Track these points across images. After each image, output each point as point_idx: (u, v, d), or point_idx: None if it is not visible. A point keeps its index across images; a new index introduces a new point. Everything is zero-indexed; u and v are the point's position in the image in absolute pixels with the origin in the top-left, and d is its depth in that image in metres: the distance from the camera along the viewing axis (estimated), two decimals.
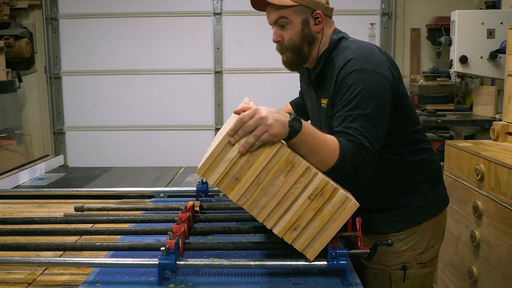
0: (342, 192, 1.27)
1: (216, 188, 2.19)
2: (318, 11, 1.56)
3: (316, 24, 1.58)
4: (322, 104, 1.63)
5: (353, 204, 1.28)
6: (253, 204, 1.28)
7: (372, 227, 1.61)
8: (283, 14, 1.55)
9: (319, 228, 1.28)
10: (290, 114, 1.27)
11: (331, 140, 1.34)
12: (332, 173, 1.31)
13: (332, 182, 1.28)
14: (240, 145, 1.24)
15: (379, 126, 1.41)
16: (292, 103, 2.11)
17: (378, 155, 1.40)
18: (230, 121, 1.41)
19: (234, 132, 1.23)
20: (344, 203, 1.27)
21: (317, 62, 1.63)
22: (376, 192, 1.61)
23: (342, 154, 1.33)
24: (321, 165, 1.31)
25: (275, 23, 1.59)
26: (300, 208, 1.27)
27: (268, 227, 1.29)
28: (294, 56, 1.61)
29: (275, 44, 1.66)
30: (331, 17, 1.64)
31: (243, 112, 1.26)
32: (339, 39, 1.61)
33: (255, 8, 1.65)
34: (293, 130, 1.25)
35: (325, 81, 1.60)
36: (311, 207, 1.27)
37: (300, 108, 2.00)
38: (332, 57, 1.58)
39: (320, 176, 1.26)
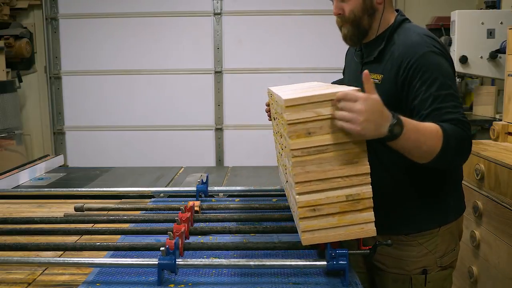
0: (372, 213, 1.27)
1: (215, 189, 2.21)
2: None
3: None
4: (374, 80, 1.55)
5: (372, 230, 1.28)
6: (301, 164, 1.24)
7: (391, 227, 1.58)
8: None
9: (332, 226, 1.28)
10: (394, 116, 1.25)
11: (433, 128, 1.35)
12: (441, 154, 1.33)
13: (371, 200, 1.28)
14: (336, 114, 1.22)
15: (461, 103, 1.46)
16: (334, 83, 2.05)
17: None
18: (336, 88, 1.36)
19: (337, 100, 1.21)
20: (366, 224, 1.28)
21: (378, 39, 1.59)
22: (397, 191, 1.60)
23: (446, 136, 1.34)
24: (428, 154, 1.34)
25: None
26: (334, 198, 1.26)
27: (297, 191, 1.26)
28: (354, 29, 1.58)
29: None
30: None
31: (360, 91, 1.22)
32: (403, 20, 1.60)
33: None
34: (392, 135, 1.25)
35: (382, 59, 1.57)
36: (341, 204, 1.26)
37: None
38: (393, 37, 1.56)
39: (369, 187, 1.26)
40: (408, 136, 1.28)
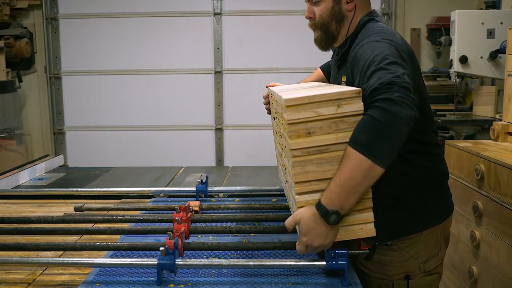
0: (371, 214, 1.29)
1: (215, 189, 2.22)
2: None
3: (347, 3, 1.56)
4: (342, 82, 1.59)
5: (371, 230, 1.29)
6: (301, 164, 1.24)
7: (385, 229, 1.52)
8: None
9: None
10: (319, 210, 1.25)
11: (344, 159, 1.24)
12: (377, 158, 1.22)
13: (371, 200, 1.29)
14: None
15: (398, 68, 1.29)
16: (323, 67, 2.07)
17: (409, 83, 1.26)
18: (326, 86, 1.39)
19: None
20: (366, 224, 1.29)
21: (344, 42, 1.61)
22: (373, 196, 1.54)
23: (357, 145, 1.22)
24: (370, 172, 1.23)
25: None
26: None
27: (296, 191, 1.27)
28: (322, 34, 1.60)
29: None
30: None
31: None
32: (367, 21, 1.58)
33: None
34: (338, 221, 1.26)
35: (346, 60, 1.58)
36: None
37: (329, 73, 1.91)
38: (358, 38, 1.55)
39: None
40: (344, 199, 1.25)
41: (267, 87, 2.00)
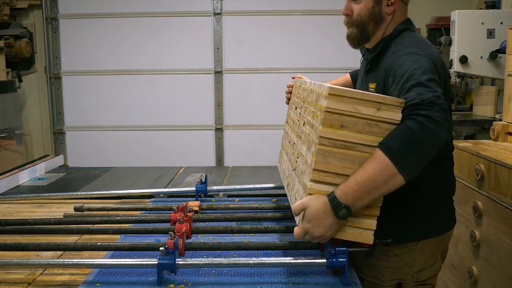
0: (375, 222, 1.29)
1: (215, 188, 2.21)
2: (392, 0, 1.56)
3: (388, 6, 1.57)
4: (370, 88, 1.59)
5: (370, 238, 1.30)
6: (325, 153, 1.25)
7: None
8: None
9: None
10: (331, 202, 1.26)
11: (370, 159, 1.25)
12: (403, 168, 1.23)
13: (379, 209, 1.30)
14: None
15: (437, 87, 1.31)
16: (352, 74, 2.07)
17: (447, 105, 1.29)
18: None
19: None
20: (366, 230, 1.30)
21: (376, 45, 1.61)
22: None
23: (388, 150, 1.23)
24: (393, 180, 1.24)
25: None
26: None
27: (312, 177, 1.27)
28: (357, 32, 1.60)
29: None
30: (406, 4, 1.63)
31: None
32: (404, 29, 1.59)
33: None
34: (346, 215, 1.26)
35: (377, 66, 1.58)
36: None
37: (356, 80, 1.91)
38: (391, 45, 1.56)
39: (381, 197, 1.29)
40: (358, 198, 1.25)
41: (293, 78, 2.05)
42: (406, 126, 1.23)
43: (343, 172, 1.26)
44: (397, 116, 1.25)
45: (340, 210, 1.25)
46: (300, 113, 1.63)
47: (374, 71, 1.61)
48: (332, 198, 1.26)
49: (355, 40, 1.63)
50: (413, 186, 1.47)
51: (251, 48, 4.62)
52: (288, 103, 2.07)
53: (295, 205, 1.32)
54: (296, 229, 1.32)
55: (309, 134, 1.38)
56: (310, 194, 1.28)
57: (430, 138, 1.23)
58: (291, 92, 2.03)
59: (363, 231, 1.30)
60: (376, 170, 1.24)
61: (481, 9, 4.00)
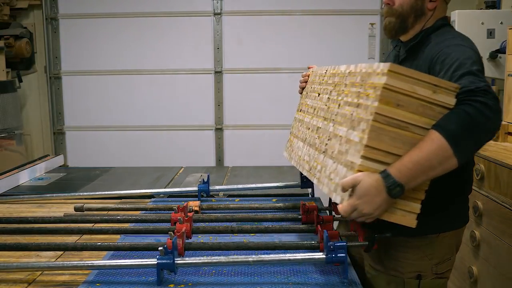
0: (419, 206, 1.30)
1: (217, 188, 2.22)
2: None
3: (430, 1, 1.60)
4: None
5: (413, 221, 1.29)
6: (378, 130, 1.25)
7: (392, 226, 1.52)
8: None
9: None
10: (385, 179, 1.25)
11: (426, 139, 1.25)
12: (458, 149, 1.24)
13: (424, 193, 1.30)
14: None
15: (485, 79, 1.34)
16: None
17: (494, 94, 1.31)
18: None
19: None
20: (410, 213, 1.29)
21: (415, 37, 1.63)
22: None
23: (445, 131, 1.24)
24: (447, 161, 1.25)
25: None
26: None
27: (363, 153, 1.25)
28: (396, 23, 1.62)
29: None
30: (447, 3, 1.68)
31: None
32: (444, 25, 1.63)
33: None
34: (399, 193, 1.25)
35: (416, 56, 1.60)
36: None
37: None
38: (430, 37, 1.59)
39: (428, 181, 1.30)
40: (413, 177, 1.26)
41: (309, 67, 2.08)
42: (463, 110, 1.24)
43: (394, 151, 1.26)
44: (451, 100, 1.25)
45: (394, 188, 1.24)
46: (329, 98, 1.64)
47: (411, 61, 1.62)
48: (386, 175, 1.25)
49: (393, 31, 1.64)
50: (441, 179, 1.47)
51: (251, 48, 4.62)
52: (301, 92, 2.09)
53: (345, 180, 1.28)
54: (343, 206, 1.28)
55: (352, 114, 1.38)
56: (360, 171, 1.26)
57: (486, 123, 1.25)
58: (306, 81, 2.05)
59: (407, 214, 1.29)
60: (432, 150, 1.24)
61: (481, 9, 4.00)
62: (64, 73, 4.72)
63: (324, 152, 1.54)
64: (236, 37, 4.62)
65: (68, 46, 4.68)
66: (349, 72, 1.53)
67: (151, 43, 4.64)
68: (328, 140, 1.52)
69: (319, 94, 1.77)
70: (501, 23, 3.51)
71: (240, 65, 4.64)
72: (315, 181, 1.55)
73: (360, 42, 4.53)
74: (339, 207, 1.29)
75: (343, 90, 1.52)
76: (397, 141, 1.25)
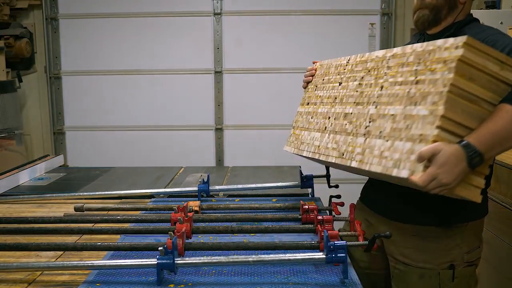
0: (483, 181, 1.33)
1: (217, 188, 2.22)
2: None
3: None
4: None
5: (477, 196, 1.32)
6: (453, 102, 1.28)
7: (423, 216, 1.61)
8: None
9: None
10: (465, 148, 1.27)
11: (503, 112, 1.31)
12: None
13: (488, 169, 1.34)
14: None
15: None
16: None
17: None
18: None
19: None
20: (475, 188, 1.32)
21: (446, 29, 1.68)
22: None
23: None
24: None
25: None
26: None
27: (439, 124, 1.27)
28: (430, 15, 1.67)
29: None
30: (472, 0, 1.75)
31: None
32: (473, 20, 1.71)
33: None
34: (477, 164, 1.28)
35: None
36: None
37: None
38: (463, 30, 1.63)
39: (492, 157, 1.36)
40: (491, 147, 1.30)
41: (314, 62, 2.13)
42: None
43: (466, 123, 1.29)
44: None
45: (475, 157, 1.27)
46: (360, 84, 1.68)
47: None
48: (466, 144, 1.27)
49: (425, 23, 1.69)
50: None
51: (251, 48, 4.62)
52: (305, 87, 2.10)
53: (424, 149, 1.27)
54: (421, 176, 1.27)
55: (409, 91, 1.42)
56: (435, 141, 1.27)
57: None
58: (312, 75, 2.07)
59: (473, 189, 1.31)
60: (508, 121, 1.30)
61: (481, 9, 4.00)
62: (64, 73, 4.72)
63: (365, 134, 1.55)
64: (236, 37, 4.62)
65: (68, 46, 4.68)
66: (392, 55, 1.56)
67: (152, 43, 4.64)
68: (370, 122, 1.54)
69: (340, 83, 1.80)
70: (501, 23, 3.51)
71: (240, 65, 4.64)
72: (354, 164, 1.54)
73: (360, 42, 4.53)
74: (417, 178, 1.28)
75: (385, 72, 1.56)
76: (467, 114, 1.29)
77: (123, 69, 4.67)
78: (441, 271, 1.60)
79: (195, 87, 4.69)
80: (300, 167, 2.57)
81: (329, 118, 1.80)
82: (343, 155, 1.62)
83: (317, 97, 1.96)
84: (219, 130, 4.73)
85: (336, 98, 1.80)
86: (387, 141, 1.45)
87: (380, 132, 1.48)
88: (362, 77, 1.68)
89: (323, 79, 1.97)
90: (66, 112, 4.77)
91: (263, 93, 4.60)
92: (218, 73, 4.66)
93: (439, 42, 1.37)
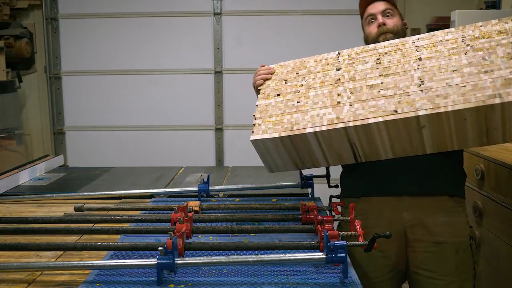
0: None
1: (217, 188, 2.21)
2: (405, 22, 2.04)
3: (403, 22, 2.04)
4: None
5: None
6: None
7: (438, 185, 1.77)
8: (391, 7, 1.99)
9: None
10: None
11: None
12: None
13: None
14: None
15: None
16: None
17: None
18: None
19: None
20: None
21: None
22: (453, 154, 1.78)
23: None
24: None
25: (383, 12, 1.98)
26: None
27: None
28: (394, 37, 1.93)
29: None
30: None
31: None
32: None
33: None
34: None
35: None
36: None
37: None
38: None
39: None
40: None
41: (262, 66, 2.30)
42: None
43: None
44: None
45: None
46: (376, 63, 1.80)
47: None
48: None
49: None
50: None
51: (251, 48, 4.62)
52: (261, 83, 2.15)
53: None
54: None
55: (484, 50, 1.61)
56: None
57: None
58: (271, 73, 2.20)
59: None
60: None
61: (481, 9, 4.00)
62: (64, 73, 4.72)
63: (422, 90, 1.62)
64: (236, 37, 4.62)
65: (68, 46, 4.68)
66: (418, 39, 1.80)
67: (152, 43, 4.64)
68: (422, 81, 1.65)
69: (339, 69, 1.88)
70: None
71: (240, 65, 4.64)
72: (421, 112, 1.56)
73: (360, 42, 4.51)
74: None
75: (416, 48, 1.77)
76: None
77: (123, 69, 4.68)
78: (470, 242, 1.75)
79: (195, 87, 4.69)
80: None
81: (339, 94, 1.77)
82: (396, 111, 1.59)
83: (295, 86, 1.96)
84: (219, 130, 4.73)
85: (339, 79, 1.83)
86: (464, 86, 1.55)
87: (447, 83, 1.58)
88: (378, 58, 1.82)
89: (298, 73, 2.04)
90: (66, 112, 4.77)
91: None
92: (218, 73, 4.66)
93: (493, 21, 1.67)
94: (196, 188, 2.16)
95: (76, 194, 2.27)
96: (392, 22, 1.97)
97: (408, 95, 1.61)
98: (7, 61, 4.37)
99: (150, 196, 2.25)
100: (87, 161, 4.49)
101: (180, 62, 4.67)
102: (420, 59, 1.71)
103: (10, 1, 4.45)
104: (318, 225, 1.58)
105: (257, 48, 4.61)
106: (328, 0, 4.47)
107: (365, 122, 1.61)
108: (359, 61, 1.85)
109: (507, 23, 1.66)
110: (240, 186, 2.24)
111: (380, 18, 1.97)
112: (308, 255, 1.37)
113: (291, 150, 1.78)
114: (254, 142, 1.86)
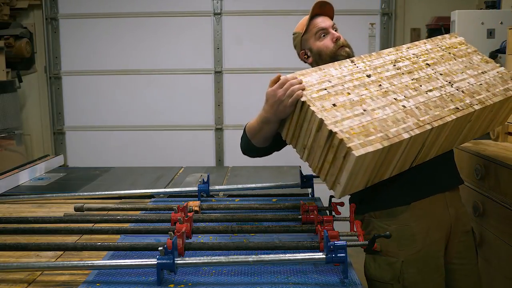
0: None
1: (217, 188, 2.22)
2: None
3: None
4: None
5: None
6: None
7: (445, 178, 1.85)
8: (335, 23, 2.07)
9: None
10: None
11: None
12: None
13: None
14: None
15: None
16: None
17: None
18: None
19: None
20: None
21: None
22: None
23: None
24: None
25: (332, 27, 2.04)
26: None
27: None
28: (351, 51, 1.98)
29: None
30: None
31: None
32: None
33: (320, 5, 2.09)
34: None
35: None
36: None
37: None
38: None
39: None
40: None
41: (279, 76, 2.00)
42: None
43: None
44: None
45: None
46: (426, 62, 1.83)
47: None
48: None
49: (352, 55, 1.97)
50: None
51: (251, 48, 4.62)
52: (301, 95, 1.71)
53: None
54: None
55: (464, 57, 1.83)
56: None
57: None
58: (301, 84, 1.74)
59: None
60: None
61: (481, 9, 4.00)
62: (64, 73, 4.72)
63: (457, 88, 1.73)
64: (236, 37, 4.62)
65: (68, 46, 4.68)
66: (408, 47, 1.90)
67: (152, 43, 4.64)
68: (453, 84, 1.75)
69: (369, 76, 1.69)
70: (501, 23, 3.51)
71: (240, 65, 4.65)
72: (477, 107, 1.68)
73: (360, 42, 4.53)
74: None
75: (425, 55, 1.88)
76: None
77: (123, 69, 4.68)
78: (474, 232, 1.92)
79: (195, 87, 4.69)
80: (300, 167, 2.56)
81: (395, 99, 1.60)
82: (458, 109, 1.64)
83: (342, 94, 1.61)
84: (219, 130, 4.73)
85: (380, 85, 1.66)
86: (480, 84, 1.74)
87: (468, 82, 1.74)
88: (394, 65, 1.79)
89: (330, 81, 1.68)
90: (66, 112, 4.77)
91: (263, 93, 4.58)
92: (218, 73, 4.66)
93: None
94: (196, 188, 2.16)
95: (76, 194, 2.27)
96: (342, 37, 2.02)
97: (452, 94, 1.68)
98: (7, 61, 4.37)
99: (150, 196, 2.25)
100: (87, 161, 4.50)
101: (180, 62, 4.67)
102: (428, 64, 1.79)
103: (10, 1, 4.45)
104: (318, 225, 1.58)
105: (257, 48, 4.61)
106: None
107: (444, 121, 1.57)
108: (379, 67, 1.75)
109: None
110: (240, 186, 2.24)
111: (334, 33, 2.01)
112: (308, 255, 1.37)
113: (378, 163, 1.53)
114: (360, 158, 1.42)
